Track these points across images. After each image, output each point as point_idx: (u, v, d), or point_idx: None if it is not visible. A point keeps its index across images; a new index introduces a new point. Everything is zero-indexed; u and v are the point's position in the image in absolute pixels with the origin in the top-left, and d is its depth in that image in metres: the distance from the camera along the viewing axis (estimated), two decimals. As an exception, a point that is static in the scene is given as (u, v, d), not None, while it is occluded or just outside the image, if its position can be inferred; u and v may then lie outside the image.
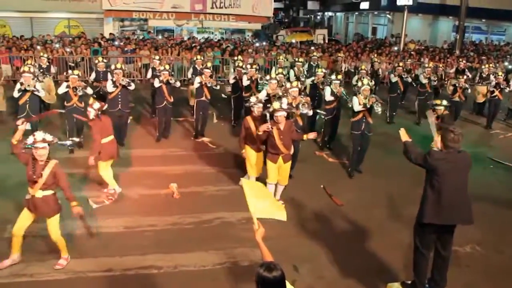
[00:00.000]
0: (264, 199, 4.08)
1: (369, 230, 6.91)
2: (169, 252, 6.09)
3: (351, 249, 6.35)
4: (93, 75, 11.53)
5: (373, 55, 18.58)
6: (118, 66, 10.08)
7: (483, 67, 13.91)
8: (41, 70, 11.84)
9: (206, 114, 11.14)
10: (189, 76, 13.45)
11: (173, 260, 5.93)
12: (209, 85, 10.63)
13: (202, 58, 13.26)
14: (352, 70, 17.65)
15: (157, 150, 10.14)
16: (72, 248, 6.10)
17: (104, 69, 11.36)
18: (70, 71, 9.88)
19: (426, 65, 13.95)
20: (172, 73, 10.75)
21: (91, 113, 7.49)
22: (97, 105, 7.58)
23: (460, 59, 18.50)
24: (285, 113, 7.31)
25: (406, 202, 7.41)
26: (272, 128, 7.19)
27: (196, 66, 12.45)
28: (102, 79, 11.08)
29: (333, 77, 10.42)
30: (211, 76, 10.86)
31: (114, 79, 9.71)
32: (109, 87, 9.74)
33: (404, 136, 5.25)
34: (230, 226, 6.88)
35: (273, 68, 14.17)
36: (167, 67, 10.70)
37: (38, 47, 17.48)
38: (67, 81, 9.53)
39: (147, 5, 24.24)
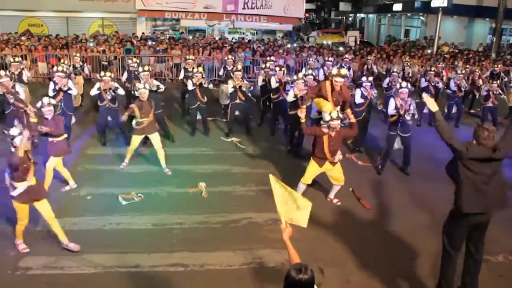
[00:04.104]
0: (290, 201, 4.00)
1: (397, 235, 6.80)
2: (196, 251, 6.14)
3: (379, 254, 6.26)
4: (125, 75, 11.65)
5: (405, 57, 18.27)
6: (146, 68, 10.02)
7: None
8: (75, 70, 12.13)
9: (245, 115, 11.25)
10: (220, 75, 13.57)
11: (200, 258, 5.97)
12: (243, 89, 10.76)
13: (233, 58, 13.30)
14: (383, 73, 17.40)
15: (187, 148, 10.21)
16: (102, 243, 6.24)
17: (136, 69, 11.48)
18: (102, 73, 9.89)
19: (459, 71, 13.61)
20: (203, 73, 10.85)
21: None
22: None
23: (496, 63, 18.01)
24: (339, 122, 7.12)
25: (436, 208, 7.25)
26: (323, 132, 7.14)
27: (227, 66, 12.51)
28: (134, 79, 11.22)
29: (364, 79, 10.29)
30: (242, 78, 10.94)
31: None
32: None
33: (432, 105, 5.03)
34: (257, 227, 6.88)
35: (303, 69, 14.10)
36: (200, 69, 10.83)
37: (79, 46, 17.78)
38: (101, 81, 9.66)
39: (180, 5, 24.53)
